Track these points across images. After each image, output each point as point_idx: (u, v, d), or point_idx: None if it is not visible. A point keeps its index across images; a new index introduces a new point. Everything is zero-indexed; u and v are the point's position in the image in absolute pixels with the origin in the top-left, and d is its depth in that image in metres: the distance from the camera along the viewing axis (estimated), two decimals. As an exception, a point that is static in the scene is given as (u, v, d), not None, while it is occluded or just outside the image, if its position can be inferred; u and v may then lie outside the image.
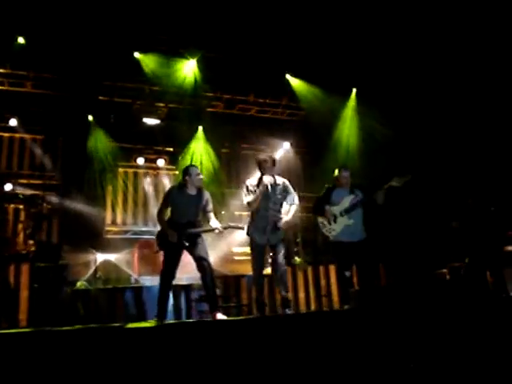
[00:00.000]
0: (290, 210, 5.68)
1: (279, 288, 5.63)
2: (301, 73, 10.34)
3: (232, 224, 5.75)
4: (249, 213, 5.75)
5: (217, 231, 5.48)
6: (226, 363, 3.32)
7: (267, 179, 5.49)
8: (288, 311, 5.57)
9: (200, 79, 9.83)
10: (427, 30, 8.59)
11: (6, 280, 5.90)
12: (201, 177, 5.61)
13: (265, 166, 5.58)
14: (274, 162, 5.68)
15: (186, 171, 5.60)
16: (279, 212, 5.63)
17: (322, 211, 5.89)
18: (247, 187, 5.61)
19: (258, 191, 5.46)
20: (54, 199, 9.43)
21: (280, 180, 5.73)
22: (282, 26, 8.86)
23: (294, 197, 5.76)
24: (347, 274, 5.76)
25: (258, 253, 5.61)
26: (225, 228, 5.53)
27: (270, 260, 5.93)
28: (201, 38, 9.11)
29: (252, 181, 5.65)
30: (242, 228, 5.67)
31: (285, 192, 5.70)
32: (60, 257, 7.46)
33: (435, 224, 8.48)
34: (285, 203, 5.69)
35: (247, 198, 5.54)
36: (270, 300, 7.23)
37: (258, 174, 5.65)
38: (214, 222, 5.55)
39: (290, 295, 5.79)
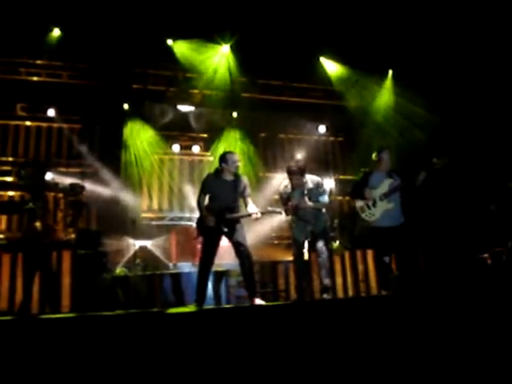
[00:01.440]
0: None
1: (320, 274, 5.74)
2: (335, 55, 10.20)
3: (270, 208, 5.75)
4: None
5: (254, 216, 5.48)
6: (265, 347, 3.31)
7: (296, 198, 5.72)
8: (326, 296, 5.66)
9: (234, 65, 9.81)
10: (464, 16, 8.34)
11: (48, 267, 6.02)
12: (238, 163, 5.62)
13: (293, 179, 5.77)
14: (301, 169, 5.79)
15: (224, 158, 5.62)
16: (321, 215, 5.84)
17: (362, 195, 5.83)
18: (281, 195, 5.96)
19: (289, 207, 5.74)
20: (91, 187, 9.57)
21: (311, 182, 5.85)
22: (316, 9, 8.73)
23: (325, 196, 5.89)
24: (386, 259, 5.70)
25: (297, 244, 5.87)
26: (262, 213, 5.54)
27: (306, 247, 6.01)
28: (234, 23, 9.04)
29: (284, 188, 5.92)
30: (280, 212, 5.70)
31: (317, 192, 5.83)
32: (99, 244, 7.57)
33: (475, 208, 8.29)
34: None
35: (283, 208, 5.78)
36: (308, 286, 7.22)
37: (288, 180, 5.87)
38: (251, 207, 5.57)
39: (329, 281, 5.81)
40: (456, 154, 7.94)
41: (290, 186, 5.86)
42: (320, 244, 5.76)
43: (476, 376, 3.27)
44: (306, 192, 5.75)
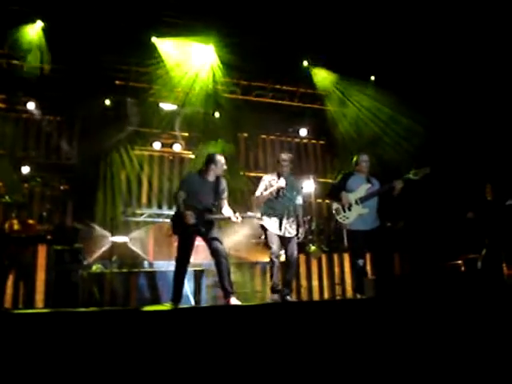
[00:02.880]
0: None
1: (287, 274, 5.86)
2: (318, 60, 10.26)
3: (250, 214, 5.76)
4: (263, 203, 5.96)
5: (234, 219, 5.49)
6: (238, 348, 3.32)
7: (283, 182, 5.79)
8: (289, 298, 5.79)
9: (217, 65, 9.80)
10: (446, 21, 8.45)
11: (23, 261, 5.97)
12: (225, 167, 5.64)
13: (284, 165, 5.91)
14: (292, 161, 6.00)
15: (213, 159, 5.62)
16: (294, 208, 5.93)
17: (338, 197, 5.88)
18: (263, 181, 5.98)
19: (268, 191, 5.83)
20: (69, 182, 9.49)
21: (295, 181, 6.06)
22: (300, 12, 8.77)
23: (300, 197, 6.05)
24: (360, 262, 5.76)
25: (272, 240, 5.80)
26: (243, 217, 5.54)
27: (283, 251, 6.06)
28: (218, 24, 9.04)
29: (269, 177, 5.98)
30: (260, 218, 5.76)
31: (296, 190, 6.02)
32: (76, 239, 7.51)
33: (451, 215, 8.40)
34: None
35: (258, 192, 5.94)
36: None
37: (275, 172, 6.00)
38: (226, 210, 5.59)
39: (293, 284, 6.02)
40: (435, 162, 8.07)
41: (275, 177, 5.94)
42: (293, 241, 5.87)
43: (449, 379, 3.32)
44: (289, 182, 5.89)
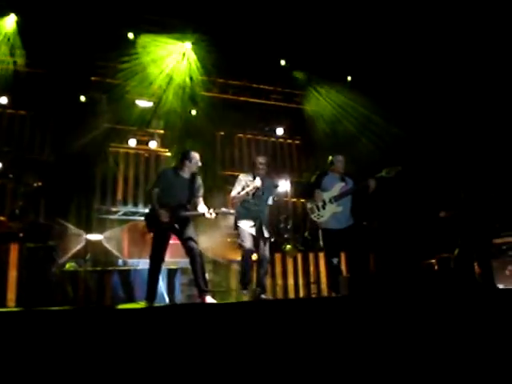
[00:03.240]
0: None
1: (260, 274, 5.88)
2: (296, 59, 10.28)
3: (224, 209, 5.76)
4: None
5: (207, 216, 5.50)
6: (214, 346, 3.32)
7: (259, 182, 5.83)
8: (263, 297, 5.81)
9: (194, 63, 9.77)
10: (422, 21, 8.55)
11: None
12: (199, 164, 5.64)
13: (260, 168, 5.98)
14: (268, 164, 6.09)
15: (187, 155, 5.65)
16: (265, 209, 6.04)
17: (312, 195, 5.99)
18: (240, 181, 6.01)
19: (247, 190, 5.83)
20: (43, 179, 9.34)
21: (269, 182, 6.13)
22: (278, 11, 8.79)
23: (271, 198, 6.15)
24: (335, 261, 5.84)
25: (246, 238, 5.85)
26: (217, 213, 5.55)
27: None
28: (196, 22, 9.02)
29: (246, 177, 6.02)
30: (231, 213, 5.82)
31: (270, 190, 6.12)
32: (49, 237, 7.41)
33: (425, 214, 8.51)
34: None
35: (234, 192, 5.96)
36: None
37: (251, 173, 6.06)
38: (202, 207, 5.61)
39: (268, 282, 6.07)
40: (409, 160, 8.18)
41: (251, 177, 5.99)
42: (266, 245, 5.93)
43: (421, 376, 3.37)
44: (265, 183, 5.96)
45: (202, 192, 5.71)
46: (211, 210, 5.51)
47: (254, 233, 5.85)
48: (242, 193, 5.87)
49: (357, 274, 5.72)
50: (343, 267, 6.87)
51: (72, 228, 8.58)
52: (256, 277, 5.98)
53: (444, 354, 3.57)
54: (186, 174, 5.62)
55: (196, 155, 5.66)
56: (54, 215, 8.90)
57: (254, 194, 5.87)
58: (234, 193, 5.97)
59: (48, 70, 9.29)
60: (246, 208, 5.91)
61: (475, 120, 8.75)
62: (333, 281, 6.01)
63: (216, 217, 5.56)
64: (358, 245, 5.94)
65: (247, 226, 5.86)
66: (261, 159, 6.05)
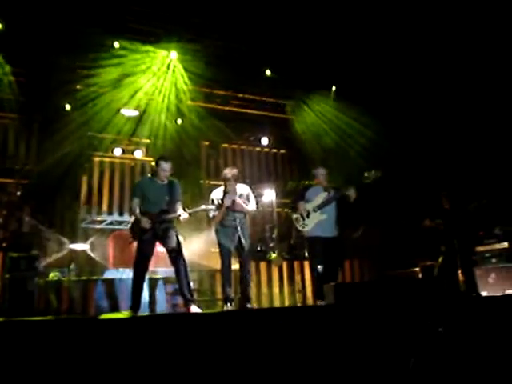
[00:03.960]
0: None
1: (243, 284, 5.97)
2: (280, 69, 10.33)
3: (201, 207, 5.79)
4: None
5: (182, 217, 5.52)
6: (199, 355, 3.31)
7: (228, 201, 5.89)
8: (249, 306, 5.87)
9: (180, 72, 9.78)
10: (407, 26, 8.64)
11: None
12: (166, 173, 5.68)
13: (227, 184, 6.00)
14: (236, 177, 6.05)
15: (156, 163, 5.71)
16: (244, 218, 6.07)
17: (296, 207, 6.20)
18: (212, 201, 6.07)
19: (221, 213, 5.90)
20: (26, 187, 9.26)
21: (243, 190, 6.12)
22: (263, 21, 8.85)
23: (254, 203, 6.17)
24: (319, 268, 5.92)
25: (225, 255, 5.96)
26: (189, 214, 5.59)
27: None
28: (181, 31, 9.04)
29: (217, 194, 6.09)
30: (206, 210, 5.88)
31: (247, 200, 6.09)
32: (32, 247, 7.34)
33: (409, 222, 8.57)
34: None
35: (212, 214, 5.98)
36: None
37: (222, 187, 6.11)
38: (179, 210, 5.63)
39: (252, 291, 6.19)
40: (392, 168, 8.25)
41: (221, 193, 6.05)
42: (246, 253, 6.00)
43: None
44: (237, 195, 6.00)
45: (180, 197, 5.74)
46: (183, 212, 5.55)
47: (232, 248, 5.94)
48: (218, 214, 5.95)
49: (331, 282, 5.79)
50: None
51: (56, 237, 8.50)
52: (240, 287, 6.04)
53: (429, 360, 3.60)
54: (161, 180, 5.65)
55: (164, 164, 5.67)
56: (37, 224, 8.82)
57: (228, 209, 5.94)
58: (211, 215, 6.04)
59: (32, 78, 9.24)
60: (222, 225, 5.99)
61: (460, 129, 8.85)
62: (318, 289, 6.07)
63: (187, 217, 5.58)
64: (337, 258, 6.15)
65: (225, 244, 5.94)
66: (227, 173, 6.06)
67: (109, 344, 3.24)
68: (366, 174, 5.97)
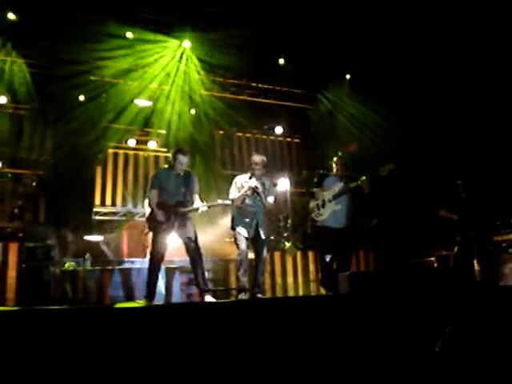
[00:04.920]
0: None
1: (255, 273, 5.95)
2: (295, 58, 10.26)
3: (220, 201, 5.81)
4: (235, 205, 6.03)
5: (200, 210, 5.52)
6: (213, 345, 3.32)
7: (254, 182, 5.88)
8: (260, 295, 5.89)
9: (193, 61, 9.77)
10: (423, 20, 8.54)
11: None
12: (183, 167, 5.65)
13: (255, 168, 5.95)
14: (265, 164, 6.03)
15: (174, 155, 5.67)
16: (263, 208, 6.03)
17: (312, 195, 6.26)
18: (236, 183, 6.03)
19: (243, 191, 5.86)
20: (42, 178, 9.33)
21: (267, 181, 6.10)
22: (278, 10, 8.78)
23: (272, 198, 6.14)
24: (327, 258, 5.95)
25: (242, 242, 5.90)
26: (209, 207, 5.59)
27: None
28: (194, 20, 9.01)
29: (241, 178, 6.05)
30: (227, 204, 5.86)
31: (268, 190, 6.08)
32: (48, 237, 7.40)
33: (425, 212, 8.51)
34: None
35: (232, 195, 5.97)
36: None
37: (248, 173, 6.06)
38: (196, 203, 5.62)
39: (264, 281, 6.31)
40: (408, 158, 8.18)
41: (247, 178, 6.01)
42: (264, 246, 5.97)
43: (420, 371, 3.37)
44: (261, 184, 5.97)
45: (197, 188, 5.74)
46: (203, 204, 5.55)
47: (249, 236, 5.90)
48: (239, 194, 5.90)
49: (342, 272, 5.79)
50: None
51: (71, 228, 8.56)
52: (253, 277, 6.02)
53: (444, 350, 3.57)
54: (178, 172, 5.64)
55: (181, 156, 5.65)
56: (53, 215, 8.90)
57: (249, 195, 5.89)
58: (231, 195, 6.01)
59: (46, 69, 9.27)
60: (240, 213, 5.96)
61: (476, 119, 8.74)
62: (324, 277, 6.17)
63: (207, 210, 5.58)
64: (349, 248, 6.19)
65: (243, 231, 5.90)
66: (256, 158, 6.03)
67: (124, 333, 3.25)
68: (380, 168, 5.92)
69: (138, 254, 8.11)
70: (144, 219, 6.38)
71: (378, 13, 8.60)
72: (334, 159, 6.37)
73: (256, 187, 5.87)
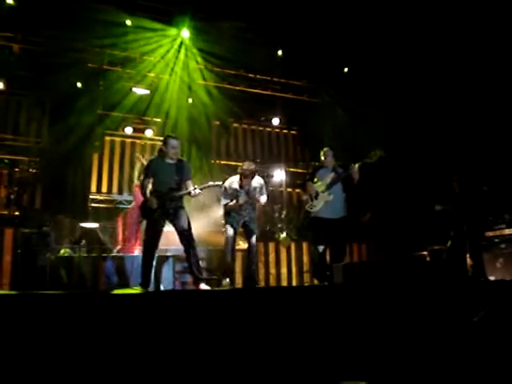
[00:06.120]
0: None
1: (249, 263, 6.29)
2: (293, 50, 10.25)
3: (209, 183, 5.85)
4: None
5: (193, 193, 5.56)
6: (208, 332, 3.35)
7: (242, 198, 6.17)
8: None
9: (191, 51, 9.76)
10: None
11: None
12: (176, 150, 5.65)
13: (244, 177, 6.24)
14: (253, 173, 6.29)
15: (164, 141, 5.71)
16: (254, 208, 6.37)
17: (305, 187, 6.34)
18: (226, 189, 6.30)
19: (232, 204, 6.18)
20: (38, 164, 9.32)
21: (257, 182, 6.35)
22: (277, 1, 8.78)
23: (265, 196, 6.44)
24: (320, 248, 6.00)
25: (229, 238, 6.27)
26: (201, 189, 5.62)
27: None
28: (193, 10, 8.99)
29: (231, 184, 6.31)
30: (219, 185, 6.08)
31: (259, 192, 6.36)
32: (44, 223, 7.41)
33: (419, 206, 8.56)
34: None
35: (223, 201, 6.31)
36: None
37: (237, 177, 6.34)
38: (189, 187, 5.67)
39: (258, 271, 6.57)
40: (402, 151, 8.21)
41: (236, 184, 6.26)
42: (253, 237, 6.26)
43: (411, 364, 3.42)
44: (251, 190, 6.27)
45: (190, 175, 5.79)
46: (195, 187, 5.59)
47: (236, 231, 6.32)
48: (230, 204, 6.23)
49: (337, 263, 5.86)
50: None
51: (67, 215, 8.57)
52: (246, 271, 6.36)
53: (435, 343, 3.62)
54: (170, 159, 5.66)
55: (172, 141, 5.67)
56: (49, 201, 8.90)
57: (240, 207, 6.21)
58: (223, 202, 6.33)
59: (44, 55, 9.22)
60: (232, 216, 6.26)
61: (470, 114, 8.77)
62: (316, 267, 6.24)
63: (200, 193, 5.64)
64: (343, 238, 6.25)
65: (230, 227, 6.27)
66: (247, 166, 6.26)
67: (120, 319, 3.28)
68: (369, 154, 6.01)
69: (132, 242, 8.12)
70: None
71: (377, 6, 8.60)
72: (324, 150, 6.40)
73: (242, 204, 6.17)
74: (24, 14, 8.42)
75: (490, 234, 7.72)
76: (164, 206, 5.51)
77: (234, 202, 6.16)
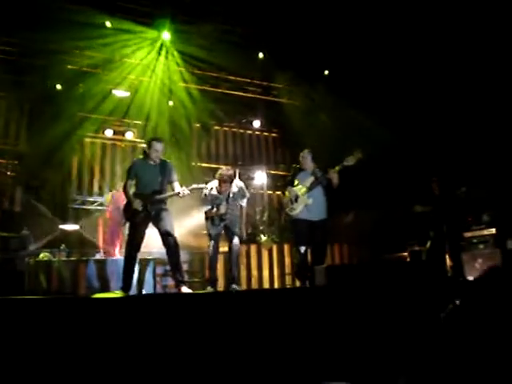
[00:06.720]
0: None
1: (230, 265, 6.18)
2: (274, 52, 10.27)
3: (195, 185, 5.81)
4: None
5: (181, 194, 5.52)
6: (189, 335, 3.35)
7: (223, 209, 6.12)
8: (235, 287, 6.04)
9: (172, 53, 9.74)
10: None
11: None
12: (158, 154, 5.63)
13: (222, 182, 6.16)
14: (231, 178, 6.23)
15: (148, 144, 5.67)
16: (235, 211, 6.28)
17: (285, 191, 6.33)
18: (206, 196, 6.25)
19: (214, 211, 6.15)
20: (17, 168, 9.22)
21: (236, 187, 6.31)
22: (258, 2, 8.79)
23: (246, 199, 6.42)
24: (302, 249, 6.02)
25: (213, 241, 6.21)
26: (190, 190, 5.60)
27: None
28: (174, 12, 8.97)
29: (210, 190, 6.25)
30: (202, 188, 5.97)
31: (240, 196, 6.32)
32: (22, 227, 7.32)
33: (399, 208, 8.63)
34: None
35: (204, 208, 6.29)
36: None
37: (215, 182, 6.27)
38: (177, 188, 5.65)
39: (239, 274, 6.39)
40: (383, 154, 8.28)
41: (215, 190, 6.21)
42: (235, 238, 6.19)
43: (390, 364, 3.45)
44: (230, 196, 6.20)
45: (175, 176, 5.75)
46: (183, 188, 5.56)
47: (218, 235, 6.25)
48: (211, 213, 6.19)
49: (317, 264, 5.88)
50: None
51: (47, 217, 8.48)
52: (228, 273, 6.27)
53: (415, 343, 3.66)
54: (153, 161, 5.63)
55: (156, 144, 5.62)
56: (28, 205, 8.80)
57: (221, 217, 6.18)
58: (204, 209, 6.29)
59: (23, 56, 9.12)
60: (214, 223, 6.22)
61: (449, 116, 8.87)
62: (299, 269, 6.26)
63: (188, 194, 5.61)
64: (323, 240, 6.21)
65: (212, 230, 6.22)
66: (224, 172, 6.19)
67: (101, 323, 3.26)
68: (347, 158, 6.02)
69: (113, 244, 8.07)
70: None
71: (358, 8, 8.66)
72: (303, 153, 6.36)
73: (224, 213, 6.12)
74: (2, 15, 8.29)
75: (469, 234, 7.84)
76: (147, 207, 5.47)
77: (215, 210, 6.13)
